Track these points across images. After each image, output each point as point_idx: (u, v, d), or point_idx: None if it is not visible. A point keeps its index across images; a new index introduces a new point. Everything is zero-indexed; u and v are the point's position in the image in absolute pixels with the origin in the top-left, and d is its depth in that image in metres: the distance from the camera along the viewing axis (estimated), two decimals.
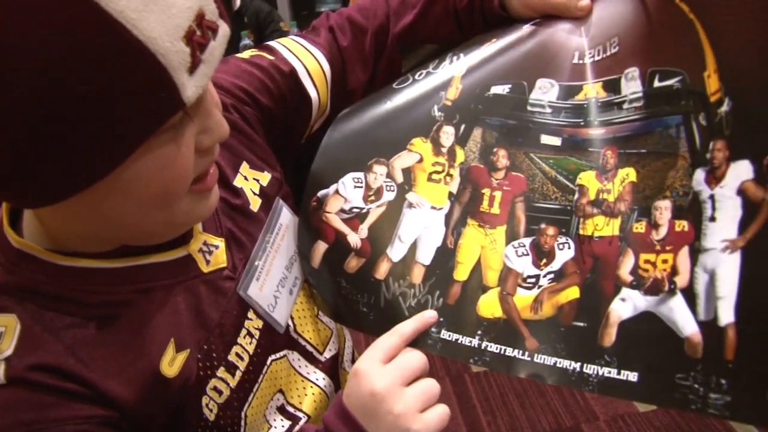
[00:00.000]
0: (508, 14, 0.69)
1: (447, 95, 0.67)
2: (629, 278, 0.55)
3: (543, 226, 0.60)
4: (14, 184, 0.41)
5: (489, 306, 0.59)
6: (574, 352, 0.55)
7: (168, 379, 0.52)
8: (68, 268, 0.50)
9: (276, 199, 0.67)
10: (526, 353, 0.56)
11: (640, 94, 0.58)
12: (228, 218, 0.62)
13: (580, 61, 0.62)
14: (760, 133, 0.52)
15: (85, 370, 0.48)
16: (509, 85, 0.65)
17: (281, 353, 0.65)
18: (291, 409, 0.66)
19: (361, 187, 0.67)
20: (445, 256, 0.62)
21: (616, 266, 0.56)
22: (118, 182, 0.42)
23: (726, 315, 0.50)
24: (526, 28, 0.67)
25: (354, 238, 0.66)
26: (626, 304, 0.54)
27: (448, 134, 0.65)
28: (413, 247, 0.64)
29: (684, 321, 0.52)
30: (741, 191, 0.51)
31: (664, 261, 0.54)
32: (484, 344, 0.58)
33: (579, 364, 0.54)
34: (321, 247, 0.67)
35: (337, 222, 0.67)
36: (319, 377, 0.69)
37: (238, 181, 0.64)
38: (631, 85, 0.59)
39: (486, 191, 0.63)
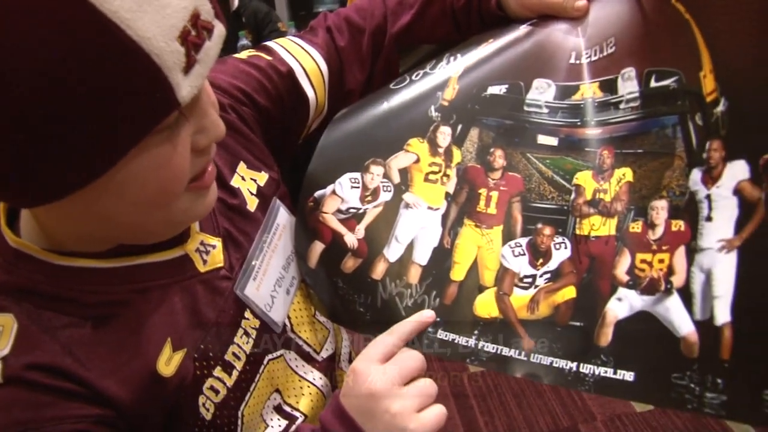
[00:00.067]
0: (505, 14, 0.69)
1: (444, 95, 0.67)
2: (626, 278, 0.55)
3: (539, 226, 0.60)
4: (14, 184, 0.41)
5: (486, 306, 0.59)
6: (570, 352, 0.55)
7: (164, 379, 0.52)
8: (65, 267, 0.50)
9: (273, 199, 0.67)
10: (523, 353, 0.56)
11: (637, 94, 0.58)
12: (225, 218, 0.62)
13: (577, 62, 0.62)
14: (756, 132, 0.52)
15: (81, 369, 0.48)
16: (506, 86, 0.65)
17: (278, 353, 0.65)
18: (288, 409, 0.66)
19: (358, 187, 0.67)
20: (442, 256, 0.62)
21: (612, 266, 0.56)
22: (113, 182, 0.42)
23: (722, 315, 0.50)
24: (523, 29, 0.67)
25: (351, 239, 0.66)
26: (622, 304, 0.55)
27: (444, 134, 0.66)
28: (410, 247, 0.64)
29: (680, 320, 0.52)
30: (737, 191, 0.51)
31: (661, 261, 0.54)
32: (480, 344, 0.58)
33: (575, 363, 0.54)
34: (318, 247, 0.67)
35: (334, 222, 0.67)
36: (316, 377, 0.69)
37: (235, 181, 0.64)
38: (628, 85, 0.59)
39: (483, 191, 0.63)
